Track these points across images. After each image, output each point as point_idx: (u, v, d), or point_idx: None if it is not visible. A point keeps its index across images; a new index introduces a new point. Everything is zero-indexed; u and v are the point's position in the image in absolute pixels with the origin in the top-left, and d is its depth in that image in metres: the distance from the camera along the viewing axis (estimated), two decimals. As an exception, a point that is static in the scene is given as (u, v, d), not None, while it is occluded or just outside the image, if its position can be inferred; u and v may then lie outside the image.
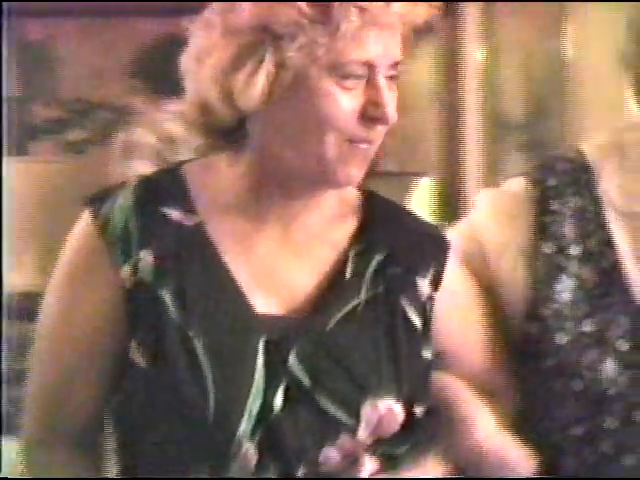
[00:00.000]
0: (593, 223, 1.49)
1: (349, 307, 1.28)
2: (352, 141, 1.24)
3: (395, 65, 1.25)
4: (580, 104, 3.67)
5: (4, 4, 2.96)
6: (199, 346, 1.21)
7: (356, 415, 1.24)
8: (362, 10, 1.21)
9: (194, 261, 1.25)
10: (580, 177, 1.52)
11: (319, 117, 1.22)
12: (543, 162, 1.58)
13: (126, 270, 1.24)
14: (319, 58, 1.21)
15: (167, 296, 1.23)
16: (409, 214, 1.41)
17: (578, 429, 1.43)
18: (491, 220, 1.51)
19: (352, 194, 1.35)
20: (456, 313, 1.40)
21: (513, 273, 1.48)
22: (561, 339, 1.43)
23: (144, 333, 1.23)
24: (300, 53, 1.20)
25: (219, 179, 1.30)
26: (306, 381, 1.23)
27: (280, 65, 1.21)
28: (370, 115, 1.23)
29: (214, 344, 1.22)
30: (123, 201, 1.26)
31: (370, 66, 1.23)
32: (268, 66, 1.21)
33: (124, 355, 1.23)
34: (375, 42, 1.23)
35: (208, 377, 1.21)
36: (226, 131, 1.28)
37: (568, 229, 1.48)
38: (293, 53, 1.20)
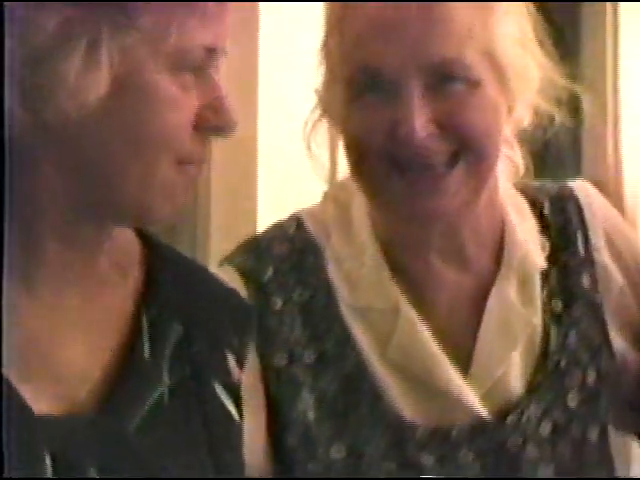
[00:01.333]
0: (326, 319, 1.21)
1: (153, 398, 0.96)
2: (181, 161, 0.93)
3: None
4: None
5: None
6: None
7: None
8: None
9: None
10: (303, 260, 1.23)
11: (154, 128, 0.90)
12: (255, 244, 1.26)
13: None
14: (166, 44, 0.88)
15: None
16: (201, 270, 1.10)
17: None
18: None
19: (129, 237, 1.02)
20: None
21: (247, 395, 1.15)
22: (315, 470, 1.19)
23: None
24: (149, 35, 0.87)
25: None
26: None
27: (119, 53, 0.86)
28: (206, 124, 0.92)
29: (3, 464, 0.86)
30: None
31: (210, 54, 0.92)
32: (108, 53, 0.86)
33: None
34: (219, 18, 0.91)
35: None
36: None
37: (298, 331, 1.20)
38: (140, 34, 0.86)
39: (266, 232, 1.29)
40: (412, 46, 1.13)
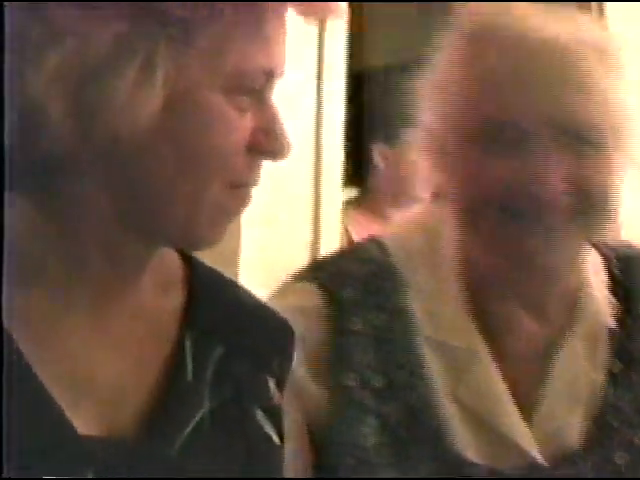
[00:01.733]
0: (400, 347, 1.19)
1: (195, 421, 0.93)
2: (232, 185, 0.89)
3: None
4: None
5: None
6: None
7: None
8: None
9: None
10: (383, 285, 1.21)
11: (206, 149, 0.86)
12: (334, 262, 1.25)
13: None
14: (224, 66, 0.84)
15: None
16: (243, 291, 1.05)
17: None
18: None
19: (173, 259, 0.99)
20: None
21: (309, 411, 1.17)
22: None
23: None
24: (206, 54, 0.83)
25: (9, 240, 0.86)
26: None
27: (175, 71, 0.82)
28: (260, 148, 0.89)
29: None
30: None
31: (268, 77, 0.88)
32: (163, 70, 0.82)
33: None
34: (278, 41, 0.88)
35: None
36: (29, 170, 0.85)
37: (371, 355, 1.18)
38: (197, 52, 0.82)
39: (345, 251, 1.29)
40: (553, 106, 1.13)
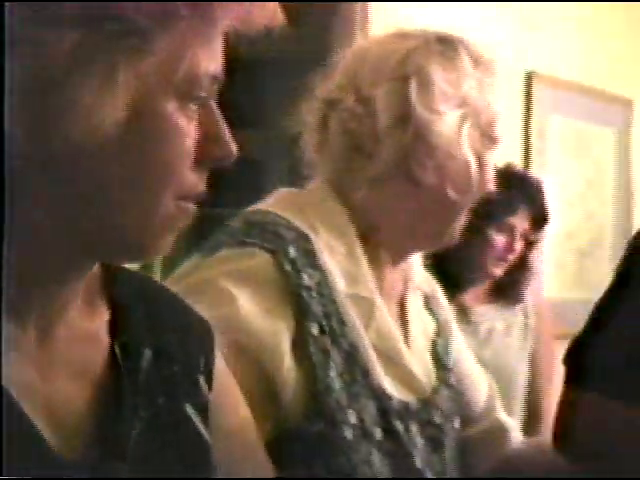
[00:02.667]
0: (329, 300, 1.34)
1: (136, 431, 0.92)
2: (180, 197, 0.87)
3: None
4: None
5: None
6: None
7: None
8: (240, 5, 0.86)
9: None
10: (309, 248, 1.35)
11: (161, 160, 0.84)
12: (262, 227, 1.36)
13: None
14: (177, 72, 0.83)
15: None
16: (164, 292, 1.06)
17: None
18: (248, 307, 1.28)
19: (95, 270, 0.96)
20: (225, 420, 1.08)
21: (286, 365, 1.29)
22: (349, 434, 1.30)
23: None
24: (162, 60, 0.82)
25: None
26: None
27: (135, 80, 0.81)
28: (208, 155, 0.88)
29: None
30: None
31: (213, 81, 0.87)
32: (125, 79, 0.80)
33: None
34: (221, 45, 0.87)
35: None
36: None
37: (319, 306, 1.32)
38: (155, 59, 0.81)
39: (260, 219, 1.36)
40: None
